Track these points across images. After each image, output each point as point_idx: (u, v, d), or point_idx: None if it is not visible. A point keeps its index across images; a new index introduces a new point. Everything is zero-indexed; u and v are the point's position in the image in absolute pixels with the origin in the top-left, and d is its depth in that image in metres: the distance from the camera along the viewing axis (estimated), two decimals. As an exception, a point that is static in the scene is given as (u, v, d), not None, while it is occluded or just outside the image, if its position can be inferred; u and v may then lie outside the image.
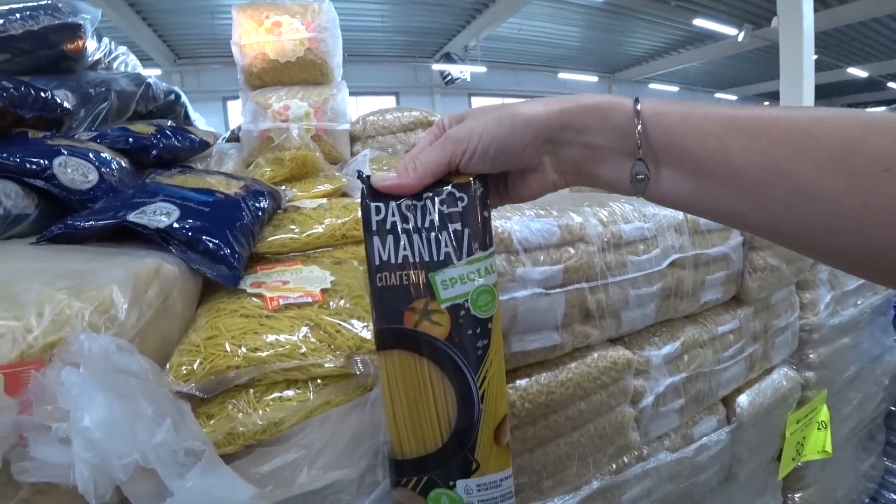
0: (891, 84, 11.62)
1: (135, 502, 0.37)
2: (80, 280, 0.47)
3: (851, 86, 11.70)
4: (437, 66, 9.74)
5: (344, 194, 0.98)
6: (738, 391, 0.94)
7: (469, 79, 9.66)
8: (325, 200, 0.85)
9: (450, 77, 9.82)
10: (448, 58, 9.31)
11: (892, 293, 1.40)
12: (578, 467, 0.70)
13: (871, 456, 1.57)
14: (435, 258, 0.40)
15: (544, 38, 9.25)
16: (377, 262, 0.41)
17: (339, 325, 0.53)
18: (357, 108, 1.39)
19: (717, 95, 13.14)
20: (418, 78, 10.31)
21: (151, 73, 1.51)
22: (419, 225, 0.40)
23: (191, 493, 0.34)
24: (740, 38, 7.95)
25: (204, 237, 0.59)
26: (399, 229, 0.40)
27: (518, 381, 0.62)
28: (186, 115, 1.68)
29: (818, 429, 1.13)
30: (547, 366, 0.65)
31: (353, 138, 1.28)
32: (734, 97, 13.10)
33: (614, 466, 0.77)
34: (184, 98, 1.63)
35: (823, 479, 1.26)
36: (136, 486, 0.37)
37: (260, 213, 0.72)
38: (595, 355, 0.68)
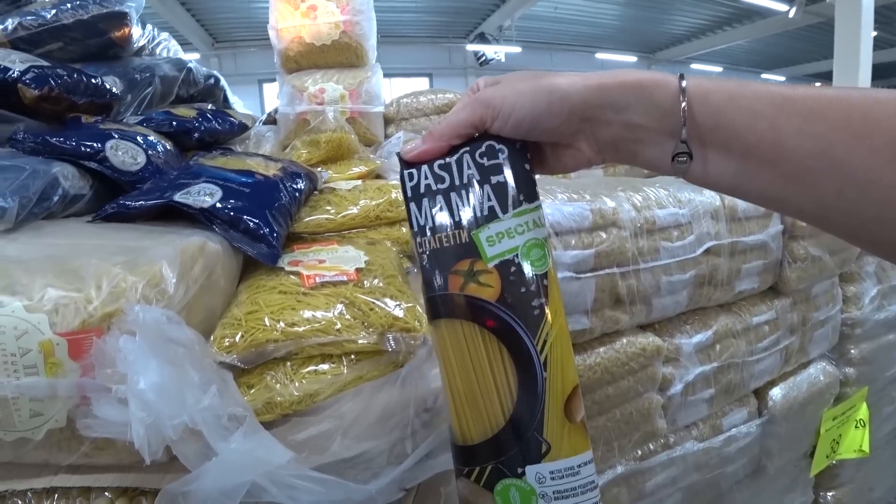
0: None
1: (183, 461, 0.41)
2: (133, 256, 0.50)
3: (913, 66, 10.89)
4: (471, 47, 9.59)
5: (378, 176, 0.99)
6: (772, 384, 0.92)
7: (504, 59, 9.48)
8: (359, 182, 0.86)
9: (484, 58, 9.66)
10: (482, 38, 9.15)
11: (945, 289, 1.33)
12: (603, 451, 0.71)
13: (915, 458, 1.51)
14: (477, 214, 0.37)
15: (581, 16, 8.95)
16: (415, 228, 0.38)
17: (373, 303, 0.55)
18: (391, 90, 1.40)
19: (764, 76, 12.46)
20: (452, 59, 10.19)
21: (190, 58, 1.55)
22: (456, 183, 0.37)
23: (233, 454, 0.37)
24: (791, 13, 7.48)
25: (245, 217, 0.61)
26: (434, 190, 0.38)
27: (545, 364, 0.63)
28: (225, 99, 1.73)
29: (856, 427, 1.10)
30: (575, 349, 0.65)
31: (387, 121, 1.29)
32: (782, 78, 12.39)
33: (639, 453, 0.77)
34: (223, 82, 1.68)
35: (859, 479, 1.22)
36: (184, 446, 0.40)
37: (297, 195, 0.74)
38: (624, 341, 0.68)
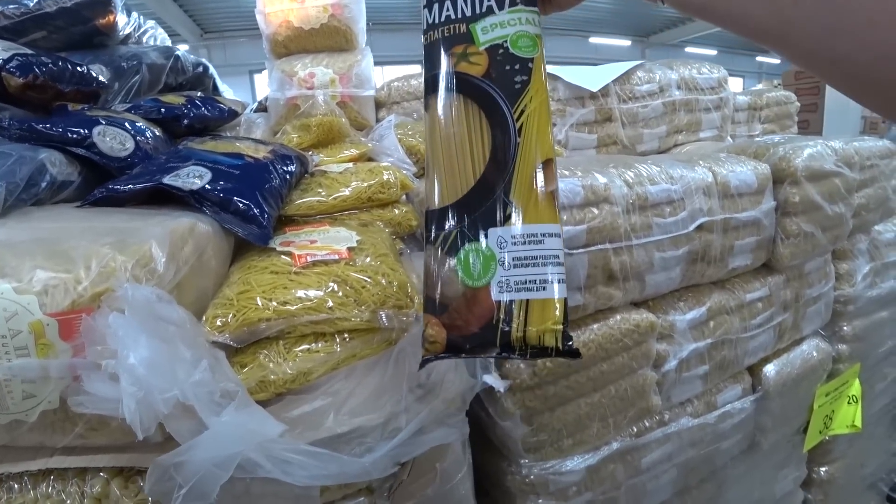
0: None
1: (176, 437, 0.40)
2: (122, 237, 0.50)
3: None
4: (462, 35, 9.51)
5: (370, 159, 0.99)
6: (766, 360, 0.93)
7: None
8: (351, 165, 0.86)
9: (476, 46, 9.57)
10: (474, 26, 9.05)
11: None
12: (599, 428, 0.71)
13: (905, 434, 1.53)
14: (477, 11, 0.40)
15: None
16: (425, 27, 0.42)
17: (365, 281, 0.55)
18: (383, 78, 1.38)
19: (759, 59, 12.43)
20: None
21: (179, 48, 1.53)
22: None
23: (226, 427, 0.37)
24: (787, -3, 7.43)
25: (235, 198, 0.61)
26: None
27: (539, 341, 0.63)
28: (215, 87, 1.71)
29: (848, 403, 1.11)
30: (569, 326, 0.66)
31: (379, 104, 1.27)
32: (777, 61, 12.36)
33: (635, 429, 0.78)
34: (212, 70, 1.65)
35: (851, 454, 1.24)
36: (177, 422, 0.40)
37: (288, 177, 0.74)
38: (618, 317, 0.68)
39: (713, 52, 11.34)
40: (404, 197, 0.90)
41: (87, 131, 0.75)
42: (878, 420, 1.32)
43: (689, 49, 10.93)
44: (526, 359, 0.37)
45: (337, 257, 0.58)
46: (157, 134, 0.91)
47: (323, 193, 0.77)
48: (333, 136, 0.95)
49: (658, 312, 0.74)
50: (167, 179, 0.63)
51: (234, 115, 1.18)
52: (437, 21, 0.41)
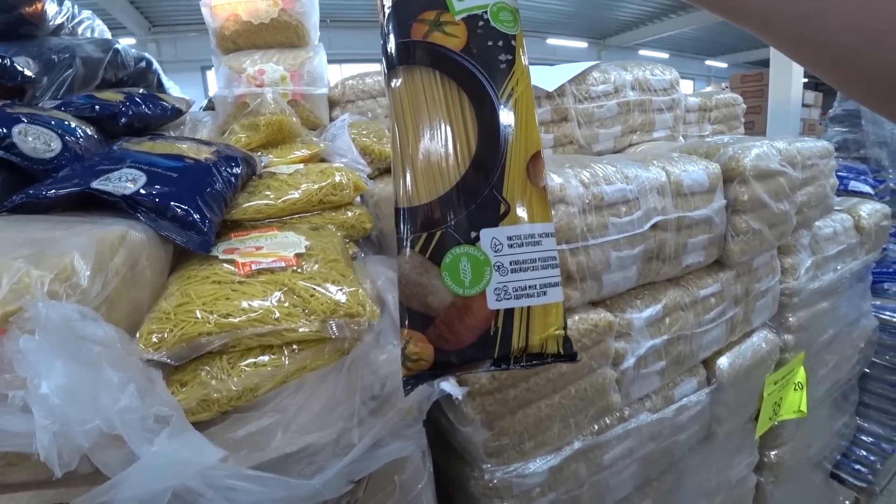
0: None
1: (105, 470, 0.37)
2: (39, 248, 0.45)
3: (841, 53, 11.57)
4: (423, 34, 9.45)
5: (322, 160, 0.95)
6: (719, 353, 0.96)
7: (456, 47, 9.38)
8: (301, 166, 0.82)
9: (437, 45, 9.54)
10: (435, 25, 9.02)
11: (872, 259, 1.42)
12: (560, 428, 0.71)
13: (845, 415, 1.63)
14: None
15: (532, 2, 8.97)
16: None
17: (313, 289, 0.52)
18: (341, 77, 1.34)
19: (708, 63, 12.99)
20: (405, 46, 10.02)
21: (125, 43, 1.44)
22: None
23: (157, 457, 0.34)
24: (732, 3, 7.79)
25: (172, 203, 0.57)
26: None
27: (498, 345, 0.62)
28: (160, 84, 1.62)
29: (795, 389, 1.16)
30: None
31: (333, 103, 1.23)
32: (725, 65, 12.95)
33: (596, 427, 0.78)
34: (156, 65, 1.56)
35: (798, 437, 1.30)
36: (103, 453, 0.36)
37: (233, 179, 0.70)
38: (576, 317, 0.68)
39: (665, 56, 11.78)
40: (358, 199, 0.87)
41: (5, 130, 0.68)
42: (821, 404, 1.39)
43: (642, 52, 11.30)
44: (522, 367, 0.34)
45: (284, 264, 0.55)
46: (90, 134, 0.84)
47: (271, 196, 0.74)
48: (284, 136, 0.91)
49: (615, 311, 0.75)
50: (96, 183, 0.58)
51: (177, 113, 1.11)
52: None
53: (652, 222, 0.74)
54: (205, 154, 0.71)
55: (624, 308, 0.76)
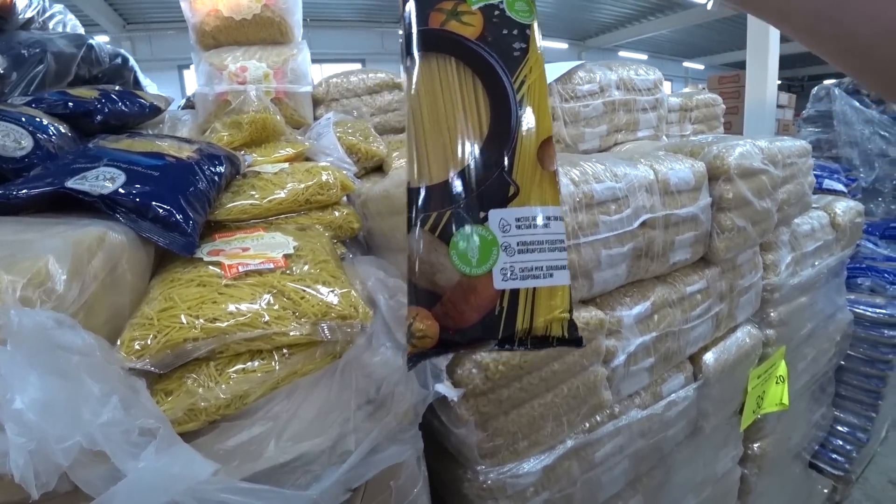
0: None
1: (86, 489, 0.35)
2: (11, 251, 0.43)
3: (813, 57, 11.96)
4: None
5: (307, 159, 0.93)
6: (705, 349, 0.97)
7: (438, 46, 9.36)
8: (286, 165, 0.80)
9: (418, 44, 9.51)
10: (416, 24, 8.98)
11: (846, 255, 1.46)
12: (553, 427, 0.71)
13: (822, 406, 1.68)
14: None
15: (514, 3, 9.02)
16: None
17: (304, 291, 0.50)
18: (322, 76, 1.32)
19: (685, 65, 13.24)
20: (385, 45, 9.94)
21: (98, 40, 1.39)
22: None
23: (145, 473, 0.32)
24: (709, 6, 7.97)
25: (154, 203, 0.54)
26: None
27: (491, 345, 0.62)
28: (137, 81, 1.57)
29: (776, 383, 1.19)
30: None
31: (317, 101, 1.21)
32: (702, 66, 13.22)
33: (587, 425, 0.78)
34: (132, 62, 1.52)
35: (780, 429, 1.33)
36: (84, 471, 0.34)
37: (217, 178, 0.67)
38: (568, 317, 0.68)
39: (644, 57, 11.96)
40: (345, 198, 0.85)
41: (-29, 128, 0.65)
42: (800, 396, 1.43)
43: (622, 53, 11.46)
44: (526, 349, 0.35)
45: (272, 266, 0.53)
46: (64, 131, 0.81)
47: (256, 196, 0.72)
48: (267, 135, 0.89)
49: (606, 309, 0.75)
50: (72, 182, 0.55)
51: (156, 111, 1.08)
52: None
53: (641, 220, 0.74)
54: (187, 152, 0.69)
55: (614, 306, 0.76)
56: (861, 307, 1.66)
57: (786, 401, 1.19)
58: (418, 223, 0.33)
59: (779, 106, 4.92)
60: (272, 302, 0.49)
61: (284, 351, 0.50)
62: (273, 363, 0.49)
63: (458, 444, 0.67)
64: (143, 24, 8.21)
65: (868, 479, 1.76)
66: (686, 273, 0.90)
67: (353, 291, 0.52)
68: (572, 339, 0.34)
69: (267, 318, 0.48)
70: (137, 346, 0.44)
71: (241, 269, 0.52)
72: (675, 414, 0.90)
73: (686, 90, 2.24)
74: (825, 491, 1.70)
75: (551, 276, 0.33)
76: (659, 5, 9.17)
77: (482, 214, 0.33)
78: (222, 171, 0.70)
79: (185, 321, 0.46)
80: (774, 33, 4.71)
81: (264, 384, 0.48)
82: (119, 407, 0.34)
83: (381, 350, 0.53)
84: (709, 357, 0.96)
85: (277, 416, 0.44)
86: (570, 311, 0.34)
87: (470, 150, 0.34)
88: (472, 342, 0.33)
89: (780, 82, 4.77)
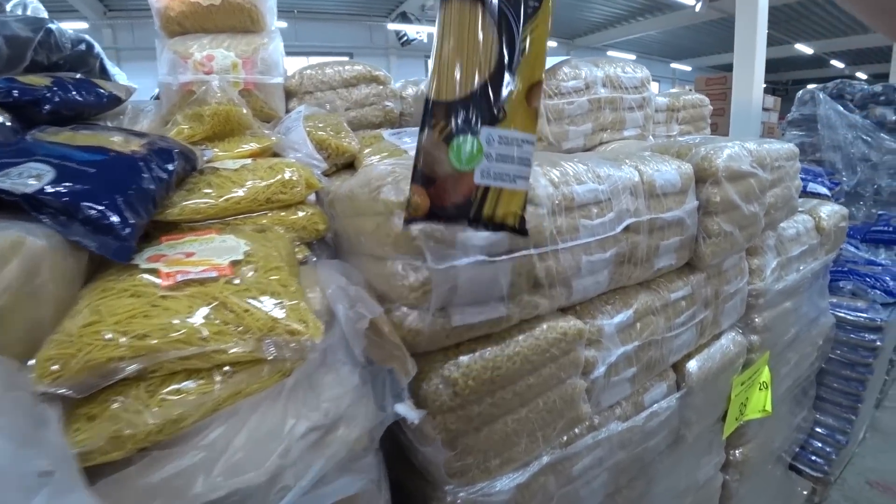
0: (833, 62, 12.09)
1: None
2: None
3: (797, 61, 12.09)
4: (392, 26, 9.29)
5: (275, 154, 0.88)
6: (689, 357, 0.94)
7: (426, 40, 9.26)
8: (249, 161, 0.75)
9: (405, 38, 9.39)
10: (404, 17, 8.87)
11: (830, 259, 1.45)
12: (527, 443, 0.67)
13: (804, 410, 1.67)
14: None
15: (504, 0, 8.96)
16: None
17: (248, 303, 0.46)
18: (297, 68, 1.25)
19: (673, 66, 13.32)
20: (373, 38, 9.82)
21: (76, 27, 1.31)
22: None
23: (29, 527, 0.27)
24: (697, 8, 8.00)
25: (84, 203, 0.49)
26: None
27: (461, 358, 0.57)
28: (104, 69, 1.49)
29: (760, 389, 1.16)
30: (493, 339, 0.60)
31: (290, 94, 1.15)
32: (689, 68, 13.31)
33: (565, 439, 0.74)
34: (98, 49, 1.44)
35: (762, 434, 1.31)
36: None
37: (165, 175, 0.62)
38: (544, 326, 0.63)
39: (633, 57, 12.03)
40: (313, 197, 0.80)
41: None
42: (782, 401, 1.41)
43: (610, 53, 11.49)
44: (487, 230, 0.46)
45: (215, 274, 0.48)
46: (2, 121, 0.74)
47: (212, 194, 0.66)
48: (231, 128, 0.83)
49: (586, 318, 0.71)
50: (-7, 180, 0.49)
51: (115, 101, 1.01)
52: None
53: (624, 224, 0.70)
54: (134, 146, 0.63)
55: (594, 314, 0.72)
56: (843, 311, 1.65)
57: (769, 407, 1.17)
58: (428, 127, 0.45)
59: (764, 108, 4.95)
60: (212, 315, 0.44)
61: (227, 369, 0.45)
62: (213, 384, 0.44)
63: (424, 463, 0.63)
64: (124, 12, 7.99)
65: (846, 480, 1.77)
66: (670, 279, 0.86)
67: (302, 303, 0.47)
68: (521, 230, 0.47)
69: (205, 333, 0.43)
70: (54, 367, 0.39)
71: (179, 277, 0.47)
72: (656, 424, 0.87)
73: (674, 90, 2.22)
74: (804, 493, 1.70)
75: (515, 182, 0.46)
76: (648, 6, 9.21)
77: (476, 129, 0.44)
78: (173, 167, 0.64)
79: (109, 338, 0.41)
80: (762, 36, 4.73)
81: (201, 407, 0.43)
82: (9, 447, 0.29)
83: (337, 367, 0.48)
84: (692, 365, 0.93)
85: (212, 445, 0.40)
86: (524, 210, 0.47)
87: (477, 80, 0.44)
88: (450, 218, 0.46)
89: (765, 85, 4.80)
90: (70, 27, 1.32)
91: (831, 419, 1.77)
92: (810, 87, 3.17)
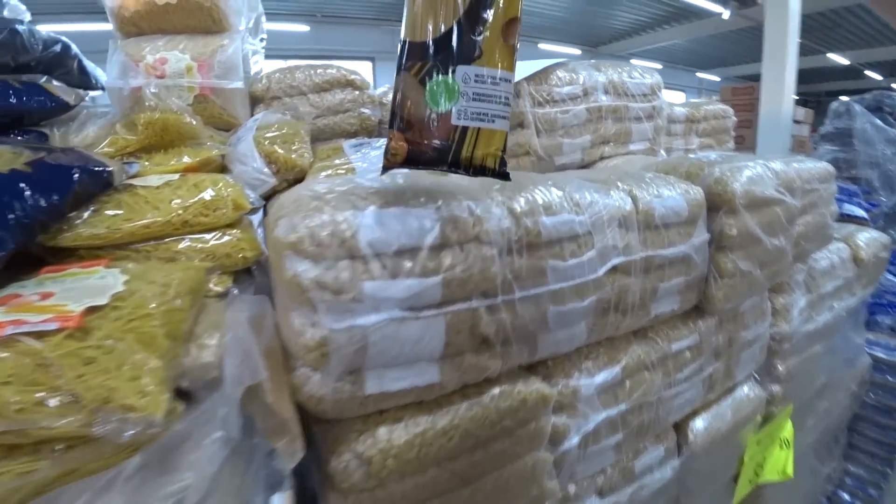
0: (869, 73, 11.56)
1: None
2: None
3: (831, 72, 11.61)
4: (415, 34, 9.29)
5: (224, 168, 0.78)
6: (694, 414, 0.80)
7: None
8: (176, 177, 0.65)
9: (429, 45, 9.39)
10: (427, 25, 8.87)
11: (867, 294, 1.28)
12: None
13: (833, 460, 1.49)
14: None
15: (526, 6, 8.62)
16: None
17: (85, 368, 0.35)
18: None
19: (699, 75, 12.98)
20: (395, 43, 9.84)
21: (69, 29, 1.25)
22: None
23: None
24: (725, 15, 7.74)
25: None
26: None
27: (380, 430, 0.45)
28: (83, 70, 1.44)
29: (780, 448, 1.01)
30: (425, 407, 0.48)
31: (256, 99, 1.06)
32: (717, 78, 12.94)
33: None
34: (76, 50, 1.38)
35: (782, 493, 1.15)
36: None
37: (54, 197, 0.52)
38: (496, 392, 0.51)
39: (659, 66, 11.78)
40: (260, 216, 0.70)
41: None
42: (806, 455, 1.24)
43: (634, 61, 11.27)
44: (468, 174, 0.44)
45: (56, 326, 0.38)
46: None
47: (120, 217, 0.57)
48: (171, 139, 0.74)
49: (558, 376, 0.58)
50: None
51: (63, 106, 0.94)
52: None
53: (610, 265, 0.57)
54: (20, 163, 0.54)
55: (569, 372, 0.59)
56: (880, 350, 1.48)
57: (790, 470, 1.01)
58: (405, 68, 0.44)
59: (795, 121, 4.70)
60: (32, 380, 0.34)
61: (57, 444, 0.35)
62: (38, 461, 0.35)
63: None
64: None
65: (879, 543, 1.57)
66: (673, 325, 0.72)
67: (160, 368, 0.36)
68: (501, 173, 0.45)
69: (18, 403, 0.33)
70: None
71: (10, 330, 0.37)
72: (648, 495, 0.73)
73: (694, 100, 2.08)
74: (831, 553, 1.51)
75: (493, 122, 0.44)
76: (674, 14, 8.99)
77: (452, 68, 0.43)
78: (69, 186, 0.54)
79: None
80: (794, 44, 4.51)
81: (20, 490, 0.34)
82: None
83: (205, 444, 0.37)
84: (697, 425, 0.78)
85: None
86: (504, 151, 0.45)
87: (452, 18, 0.43)
88: (429, 162, 0.44)
89: (796, 97, 4.56)
90: (59, 28, 1.26)
91: (863, 471, 1.59)
92: (844, 98, 2.95)
